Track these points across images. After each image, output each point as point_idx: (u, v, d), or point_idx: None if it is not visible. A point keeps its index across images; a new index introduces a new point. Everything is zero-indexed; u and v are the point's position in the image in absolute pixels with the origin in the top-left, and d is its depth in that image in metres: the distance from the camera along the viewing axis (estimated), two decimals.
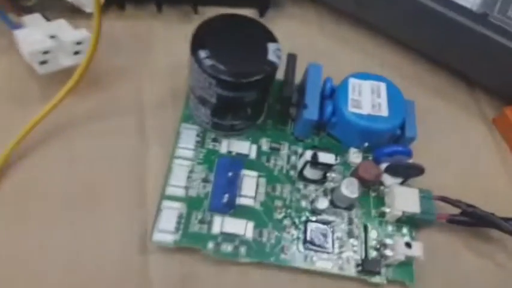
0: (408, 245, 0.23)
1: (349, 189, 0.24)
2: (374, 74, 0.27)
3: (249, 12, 0.33)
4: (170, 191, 0.24)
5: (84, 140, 0.25)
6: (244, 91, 0.22)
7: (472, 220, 0.25)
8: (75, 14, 0.28)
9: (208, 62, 0.21)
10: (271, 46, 0.23)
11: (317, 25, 0.34)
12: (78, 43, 0.24)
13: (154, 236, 0.22)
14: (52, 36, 0.25)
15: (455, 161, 0.29)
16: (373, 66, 0.32)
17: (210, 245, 0.22)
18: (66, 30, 0.25)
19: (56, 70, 0.25)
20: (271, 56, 0.22)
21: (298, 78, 0.27)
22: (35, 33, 0.24)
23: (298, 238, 0.24)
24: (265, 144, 0.26)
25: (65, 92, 0.24)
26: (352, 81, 0.26)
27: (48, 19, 0.27)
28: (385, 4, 0.30)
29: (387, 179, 0.25)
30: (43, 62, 0.24)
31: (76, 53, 0.25)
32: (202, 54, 0.22)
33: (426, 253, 0.25)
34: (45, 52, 0.24)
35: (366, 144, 0.26)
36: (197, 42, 0.22)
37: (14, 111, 0.26)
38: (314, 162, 0.24)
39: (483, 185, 0.28)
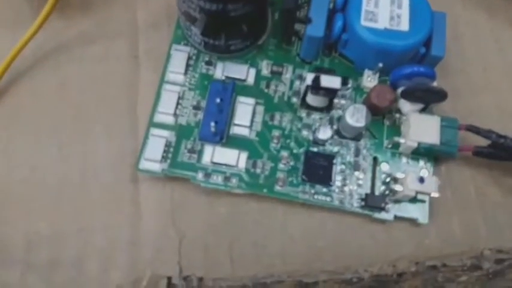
0: (421, 179, 0.20)
1: (355, 117, 0.21)
2: None
3: None
4: (158, 118, 0.22)
5: (74, 65, 0.24)
6: (231, 2, 0.19)
7: (503, 153, 0.21)
8: None
9: None
10: None
11: None
12: None
13: (140, 164, 0.21)
14: None
15: (494, 86, 0.25)
16: None
17: (200, 175, 0.21)
18: None
19: None
20: None
21: None
22: None
23: (296, 169, 0.21)
24: (265, 68, 0.23)
25: (47, 12, 0.22)
26: None
27: None
28: None
29: (404, 105, 0.22)
30: None
31: None
32: None
33: (446, 189, 0.22)
34: None
35: (381, 64, 0.22)
36: None
37: (3, 34, 0.24)
38: (315, 87, 0.21)
39: None
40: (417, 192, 0.20)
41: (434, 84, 0.22)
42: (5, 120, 0.23)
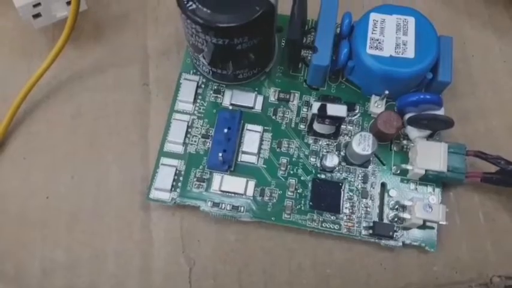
0: (428, 207, 0.20)
1: (362, 145, 0.21)
2: (402, 6, 0.23)
3: None
4: (168, 147, 0.23)
5: (87, 94, 0.25)
6: (237, 37, 0.20)
7: (510, 179, 0.21)
8: None
9: (192, 5, 0.19)
10: None
11: None
12: None
13: (151, 194, 0.22)
14: None
15: (504, 108, 0.25)
16: None
17: (209, 203, 0.22)
18: None
19: (52, 22, 0.24)
20: None
21: (315, 15, 0.23)
22: None
23: (304, 197, 0.22)
24: (273, 95, 0.24)
25: (61, 45, 0.23)
26: (374, 17, 0.22)
27: None
28: None
29: (412, 132, 0.22)
30: (36, 16, 0.23)
31: (70, 2, 0.23)
32: None
33: (455, 216, 0.22)
34: (36, 5, 0.23)
35: (387, 92, 0.22)
36: None
37: (20, 65, 0.25)
38: (322, 116, 0.21)
39: None
40: (425, 221, 0.20)
41: (442, 110, 0.22)
42: (22, 148, 0.24)
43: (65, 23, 0.23)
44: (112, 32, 0.26)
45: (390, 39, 0.22)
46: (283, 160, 0.22)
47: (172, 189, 0.22)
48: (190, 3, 0.19)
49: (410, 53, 0.22)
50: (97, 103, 0.25)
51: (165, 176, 0.22)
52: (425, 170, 0.21)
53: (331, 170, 0.22)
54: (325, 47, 0.22)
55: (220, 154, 0.21)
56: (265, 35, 0.21)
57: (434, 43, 0.22)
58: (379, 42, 0.22)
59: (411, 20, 0.22)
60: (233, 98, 0.23)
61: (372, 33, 0.22)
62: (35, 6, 0.23)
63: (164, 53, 0.26)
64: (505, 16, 0.27)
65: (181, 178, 0.22)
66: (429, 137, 0.22)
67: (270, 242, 0.22)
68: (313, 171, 0.22)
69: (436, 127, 0.22)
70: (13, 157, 0.24)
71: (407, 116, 0.22)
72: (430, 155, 0.21)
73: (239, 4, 0.19)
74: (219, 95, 0.24)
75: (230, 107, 0.23)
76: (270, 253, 0.21)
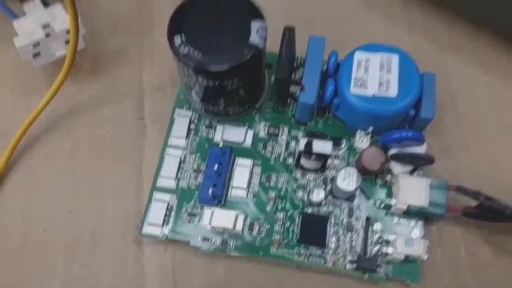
0: (410, 242, 0.21)
1: (346, 181, 0.22)
2: (386, 45, 0.24)
3: None
4: (161, 182, 0.23)
5: (85, 129, 0.26)
6: (226, 79, 0.21)
7: (490, 214, 0.22)
8: None
9: (183, 50, 0.20)
10: (254, 25, 0.21)
11: None
12: (69, 31, 0.24)
13: (143, 229, 0.23)
14: (45, 26, 0.24)
15: (490, 142, 0.26)
16: (399, 32, 0.29)
17: (199, 238, 0.22)
18: (60, 17, 0.25)
19: (51, 61, 0.25)
20: (254, 38, 0.20)
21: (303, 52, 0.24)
22: (29, 24, 0.24)
23: (291, 231, 0.23)
24: (262, 129, 0.25)
25: (60, 82, 0.24)
26: (358, 56, 0.23)
27: (47, 4, 0.26)
28: None
29: (395, 167, 0.23)
30: (36, 55, 0.24)
31: (68, 41, 0.24)
32: (178, 40, 0.20)
33: (437, 249, 0.23)
34: (36, 45, 0.24)
35: (371, 128, 0.23)
36: (173, 26, 0.21)
37: (20, 102, 0.26)
38: (308, 152, 0.22)
39: None
40: (407, 255, 0.21)
41: (424, 146, 0.23)
42: (22, 182, 0.25)
43: (64, 60, 0.24)
44: (109, 69, 0.27)
45: (374, 77, 0.23)
46: (272, 194, 0.23)
47: (164, 224, 0.23)
48: (182, 46, 0.20)
49: (393, 91, 0.23)
50: (94, 137, 0.26)
51: (157, 211, 0.23)
52: (408, 205, 0.22)
53: (318, 205, 0.23)
54: (312, 85, 0.23)
55: (210, 190, 0.22)
56: (254, 75, 0.22)
57: (417, 81, 0.23)
58: (363, 81, 0.23)
59: (395, 58, 0.23)
60: (224, 133, 0.24)
61: (356, 72, 0.23)
62: (34, 46, 0.24)
63: (159, 88, 0.27)
64: (489, 50, 0.28)
65: (173, 213, 0.23)
66: (412, 172, 0.23)
67: (259, 275, 0.22)
68: (301, 206, 0.23)
69: (417, 163, 0.22)
70: (13, 190, 0.24)
71: (390, 151, 0.23)
72: (412, 190, 0.22)
73: (229, 48, 0.20)
74: (210, 130, 0.25)
75: (221, 143, 0.24)
76: (258, 287, 0.22)
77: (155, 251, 0.23)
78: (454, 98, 0.27)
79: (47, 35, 0.24)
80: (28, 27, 0.25)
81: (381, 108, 0.22)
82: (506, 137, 0.26)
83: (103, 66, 0.27)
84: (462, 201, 0.23)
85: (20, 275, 0.23)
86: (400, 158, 0.22)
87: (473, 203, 0.22)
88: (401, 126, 0.24)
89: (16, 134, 0.25)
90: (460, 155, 0.25)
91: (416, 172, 0.23)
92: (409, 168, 0.23)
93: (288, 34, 0.23)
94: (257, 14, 0.21)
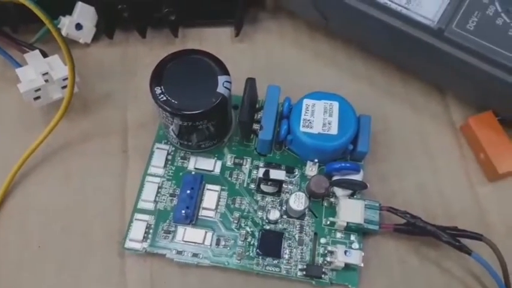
0: (348, 253, 0.26)
1: (296, 203, 0.27)
2: (329, 93, 0.29)
3: (226, 31, 0.36)
4: (141, 204, 0.28)
5: (76, 159, 0.30)
6: (198, 120, 0.26)
7: (416, 230, 0.27)
8: (71, 45, 0.32)
9: (163, 98, 0.25)
10: (221, 79, 0.26)
11: (292, 39, 0.36)
12: (65, 79, 0.29)
13: (126, 244, 0.27)
14: (45, 73, 0.29)
15: (418, 170, 0.31)
16: (344, 79, 0.34)
17: (173, 251, 0.26)
18: (57, 67, 0.29)
19: (48, 103, 0.29)
20: (220, 89, 0.25)
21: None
22: (30, 72, 0.29)
23: (252, 245, 0.27)
24: (229, 160, 0.29)
25: (55, 122, 0.28)
26: (306, 102, 0.29)
27: (45, 55, 0.31)
28: (348, 20, 0.32)
29: (338, 191, 0.28)
30: (36, 98, 0.29)
31: (64, 87, 0.29)
32: (158, 90, 0.25)
33: (374, 259, 0.27)
34: (37, 90, 0.28)
35: (316, 160, 0.28)
36: (154, 79, 0.26)
37: (20, 135, 0.30)
38: (266, 179, 0.27)
39: (444, 194, 0.30)
40: (346, 263, 0.26)
41: (360, 174, 0.28)
42: (19, 205, 0.28)
43: (59, 102, 0.29)
44: (97, 109, 0.32)
45: (319, 119, 0.28)
46: (236, 214, 0.28)
47: (144, 239, 0.27)
48: (162, 95, 0.25)
49: (334, 130, 0.28)
50: (83, 167, 0.30)
51: (138, 229, 0.27)
52: (347, 222, 0.27)
53: (275, 222, 0.28)
54: (269, 125, 0.28)
55: (183, 211, 0.26)
56: (221, 117, 0.27)
57: (354, 122, 0.28)
58: (310, 122, 0.28)
59: (335, 104, 0.29)
60: (197, 163, 0.29)
61: (305, 115, 0.28)
62: (36, 91, 0.28)
63: (141, 125, 0.31)
64: (419, 94, 0.34)
65: (151, 230, 0.27)
66: (352, 195, 0.28)
67: (225, 283, 0.27)
68: (260, 223, 0.28)
69: (354, 188, 0.27)
70: (11, 214, 0.28)
71: (333, 178, 0.28)
72: (351, 210, 0.27)
73: (200, 97, 0.25)
74: (185, 161, 0.29)
75: (194, 171, 0.29)
76: None
77: (136, 263, 0.27)
78: (387, 135, 0.32)
79: (46, 81, 0.29)
80: (30, 75, 0.29)
81: (324, 143, 0.27)
82: (430, 167, 0.31)
83: (92, 107, 0.32)
84: (394, 220, 0.28)
85: (18, 285, 0.26)
86: (340, 184, 0.27)
87: (403, 220, 0.27)
88: (343, 157, 0.29)
89: (15, 164, 0.29)
90: (392, 182, 0.30)
91: (355, 195, 0.28)
92: (349, 192, 0.28)
93: (250, 84, 0.28)
94: (223, 71, 0.26)
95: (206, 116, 0.25)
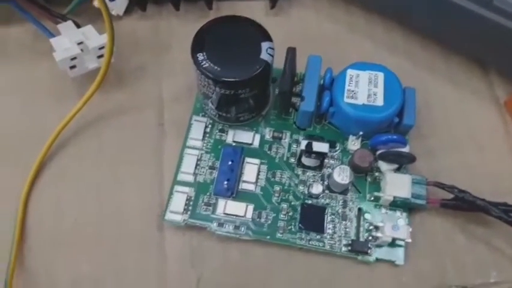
0: (396, 227, 0.25)
1: (341, 176, 0.26)
2: (373, 64, 0.28)
3: (261, 4, 0.35)
4: (181, 177, 0.27)
5: (110, 132, 0.29)
6: (240, 88, 0.25)
7: (464, 205, 0.26)
8: (102, 17, 0.32)
9: (205, 64, 0.24)
10: (264, 45, 0.25)
11: (328, 12, 0.35)
12: (101, 48, 0.28)
13: (166, 216, 0.26)
14: (80, 43, 0.28)
15: (462, 147, 0.30)
16: (382, 53, 0.33)
17: (214, 224, 0.26)
18: (92, 36, 0.29)
19: (84, 73, 0.29)
20: (264, 55, 0.25)
21: (303, 68, 0.29)
22: (65, 41, 0.28)
23: (294, 219, 0.26)
24: (268, 134, 0.29)
25: (92, 92, 0.28)
26: (350, 72, 0.28)
27: (78, 25, 0.30)
28: None
29: (382, 165, 0.27)
30: (72, 67, 0.28)
31: (100, 56, 0.28)
32: (200, 57, 0.24)
33: (420, 235, 0.27)
34: (73, 59, 0.27)
35: (361, 133, 0.27)
36: (196, 45, 0.25)
37: (54, 107, 0.30)
38: (308, 151, 0.26)
39: (490, 171, 0.29)
40: (394, 238, 0.25)
41: (407, 148, 0.27)
42: (55, 178, 0.28)
43: (94, 72, 0.28)
44: (132, 81, 0.31)
45: (363, 90, 0.27)
46: (277, 188, 0.27)
47: (184, 212, 0.26)
48: (204, 62, 0.24)
49: (379, 102, 0.27)
50: (119, 140, 0.29)
51: (178, 201, 0.26)
52: (394, 197, 0.26)
53: (317, 197, 0.27)
54: (310, 96, 0.27)
55: (225, 182, 0.26)
56: (263, 86, 0.26)
57: (400, 93, 0.27)
58: (354, 93, 0.27)
59: (380, 75, 0.28)
60: (235, 136, 0.28)
61: (349, 85, 0.27)
62: (72, 59, 0.28)
63: (177, 98, 0.30)
64: (460, 70, 0.33)
65: (191, 203, 0.26)
66: (397, 170, 0.27)
67: (266, 257, 0.26)
68: (302, 198, 0.27)
69: (401, 161, 0.26)
70: (46, 185, 0.28)
71: (378, 152, 0.27)
72: (397, 184, 0.26)
73: (243, 63, 0.24)
74: (223, 134, 0.28)
75: (233, 144, 0.28)
76: (266, 267, 0.25)
77: (175, 236, 0.26)
78: (431, 110, 0.31)
79: (82, 51, 0.28)
80: (65, 44, 0.28)
81: (370, 115, 0.26)
82: (474, 144, 0.30)
83: (126, 79, 0.31)
84: (440, 195, 0.27)
85: (53, 258, 0.26)
86: (386, 157, 0.26)
87: (450, 196, 0.26)
88: (387, 131, 0.28)
89: (50, 136, 0.28)
90: (437, 157, 0.29)
91: (400, 170, 0.27)
92: (394, 166, 0.27)
93: (291, 53, 0.27)
94: (266, 37, 0.25)
95: (249, 83, 0.24)
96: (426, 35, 0.33)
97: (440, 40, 0.33)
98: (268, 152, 0.28)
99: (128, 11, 0.33)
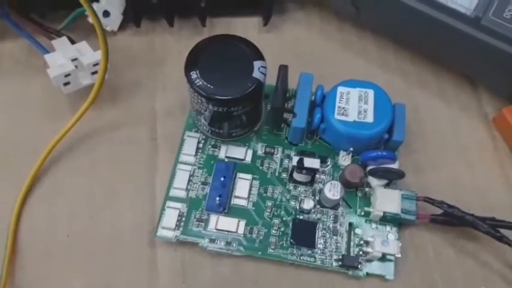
0: (386, 243, 0.25)
1: (332, 192, 0.26)
2: (363, 81, 0.29)
3: (254, 21, 0.35)
4: (173, 192, 0.27)
5: (104, 148, 0.30)
6: (233, 106, 0.25)
7: (453, 220, 0.26)
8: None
9: (199, 83, 0.24)
10: (256, 64, 0.25)
11: (320, 29, 0.35)
12: (95, 64, 0.28)
13: (158, 232, 0.26)
14: (74, 59, 0.28)
15: (452, 162, 0.30)
16: (374, 70, 0.34)
17: (206, 240, 0.26)
18: (86, 52, 0.29)
19: (78, 89, 0.29)
20: (256, 74, 0.25)
21: (296, 84, 0.29)
22: (59, 58, 0.28)
23: (286, 234, 0.26)
24: (260, 149, 0.29)
25: (85, 108, 0.28)
26: (341, 90, 0.28)
27: (73, 42, 0.31)
28: (381, 9, 0.31)
29: (373, 181, 0.27)
30: (66, 83, 0.28)
31: (94, 72, 0.29)
32: (194, 75, 0.25)
33: (410, 250, 0.27)
34: (67, 75, 0.28)
35: (351, 149, 0.28)
36: (189, 63, 0.25)
37: (47, 123, 0.30)
38: (300, 167, 0.26)
39: (479, 186, 0.29)
40: (383, 253, 0.25)
41: (396, 164, 0.27)
42: (47, 194, 0.28)
43: (87, 89, 0.28)
44: (126, 97, 0.31)
45: (354, 107, 0.27)
46: (269, 203, 0.27)
47: (176, 228, 0.26)
48: (197, 80, 0.25)
49: (369, 119, 0.27)
50: (112, 155, 0.29)
51: (170, 217, 0.26)
52: (384, 212, 0.26)
53: (308, 212, 0.27)
54: (302, 112, 0.27)
55: (217, 199, 0.26)
56: (255, 103, 0.27)
57: (389, 110, 0.28)
58: (345, 110, 0.27)
59: (371, 92, 0.28)
60: (228, 151, 0.28)
61: (339, 102, 0.28)
62: (65, 76, 0.28)
63: (170, 114, 0.31)
64: (450, 86, 0.33)
65: (183, 219, 0.26)
66: (387, 185, 0.28)
67: (258, 273, 0.26)
68: (293, 213, 0.27)
69: (390, 177, 0.27)
70: (39, 201, 0.28)
71: (368, 168, 0.27)
72: (387, 200, 0.26)
73: (235, 82, 0.25)
74: (216, 149, 0.29)
75: (225, 159, 0.28)
76: (258, 282, 0.26)
77: (167, 253, 0.26)
78: (421, 125, 0.31)
79: (76, 67, 0.28)
80: (59, 61, 0.29)
81: (360, 132, 0.27)
82: (463, 159, 0.30)
83: (120, 95, 0.31)
84: (430, 210, 0.27)
85: (46, 273, 0.26)
86: (376, 173, 0.27)
87: (439, 211, 0.27)
88: (377, 147, 0.29)
89: (43, 151, 0.28)
90: (427, 172, 0.29)
91: (390, 185, 0.28)
92: (384, 182, 0.27)
93: (283, 71, 0.28)
94: (258, 56, 0.26)
95: (241, 101, 0.25)
96: (417, 52, 0.34)
97: (431, 57, 0.34)
98: (261, 168, 0.28)
99: (122, 27, 0.34)
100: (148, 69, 0.33)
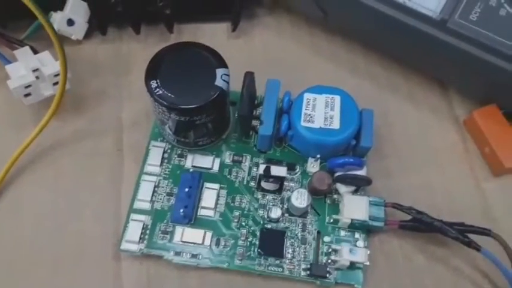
0: (353, 251, 0.25)
1: (299, 200, 0.26)
2: (330, 87, 0.28)
3: (223, 27, 0.35)
4: (137, 204, 0.27)
5: (67, 159, 0.29)
6: (195, 115, 0.25)
7: (422, 226, 0.26)
8: (62, 41, 0.31)
9: (159, 92, 0.24)
10: (219, 71, 0.25)
11: (290, 34, 0.35)
12: (56, 75, 0.28)
13: (122, 245, 0.25)
14: (35, 70, 0.28)
15: (422, 166, 0.30)
16: (343, 74, 0.33)
17: (171, 253, 0.25)
18: (48, 63, 0.28)
19: (39, 100, 0.28)
20: (219, 82, 0.25)
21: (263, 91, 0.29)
22: (21, 68, 0.28)
23: (253, 244, 0.26)
24: (228, 157, 0.28)
25: (47, 119, 0.27)
26: (307, 96, 0.28)
27: (35, 51, 0.30)
28: (347, 13, 0.31)
29: (341, 188, 0.27)
30: (27, 95, 0.27)
31: (55, 83, 0.28)
32: (154, 84, 0.24)
33: (379, 257, 0.27)
34: (27, 86, 0.27)
35: (318, 155, 0.27)
36: (149, 73, 0.25)
37: (10, 134, 0.29)
38: (267, 176, 0.26)
39: (449, 189, 0.29)
40: (351, 262, 0.25)
41: (364, 170, 0.27)
42: (11, 207, 0.27)
43: (50, 99, 0.28)
44: (90, 106, 0.30)
45: (320, 114, 0.27)
46: (236, 213, 0.27)
47: (140, 241, 0.25)
48: (158, 89, 0.24)
49: (336, 125, 0.27)
50: (76, 166, 0.28)
51: (134, 230, 0.25)
52: (351, 219, 0.26)
53: (276, 221, 0.27)
54: (269, 120, 0.27)
55: (181, 210, 0.25)
56: (219, 112, 0.26)
57: (356, 116, 0.27)
58: (311, 117, 0.27)
59: (337, 98, 0.28)
60: (194, 161, 0.28)
61: (306, 109, 0.27)
62: (26, 87, 0.27)
63: (136, 123, 0.30)
64: (420, 89, 0.33)
65: (148, 231, 0.26)
66: (355, 192, 0.27)
67: (226, 285, 0.25)
68: (261, 222, 0.27)
69: (358, 184, 0.27)
70: (2, 214, 0.27)
71: (336, 174, 0.27)
72: (354, 207, 0.26)
73: (197, 90, 0.24)
74: (182, 159, 0.28)
75: (191, 169, 0.28)
76: None
77: (132, 266, 0.26)
78: (391, 130, 0.31)
79: (37, 78, 0.28)
80: (20, 71, 0.28)
81: (326, 138, 0.27)
82: (434, 163, 0.30)
83: (85, 105, 0.31)
84: (399, 217, 0.27)
85: (10, 287, 0.25)
86: (343, 180, 0.26)
87: (408, 217, 0.27)
88: (346, 153, 0.28)
89: (5, 164, 0.27)
90: (397, 177, 0.29)
91: (358, 192, 0.27)
92: (352, 188, 0.27)
93: (248, 78, 0.27)
94: (221, 63, 0.25)
95: (204, 110, 0.24)
96: (387, 56, 0.34)
97: (400, 60, 0.33)
98: (228, 176, 0.28)
99: (88, 35, 0.33)
100: (114, 78, 0.32)
